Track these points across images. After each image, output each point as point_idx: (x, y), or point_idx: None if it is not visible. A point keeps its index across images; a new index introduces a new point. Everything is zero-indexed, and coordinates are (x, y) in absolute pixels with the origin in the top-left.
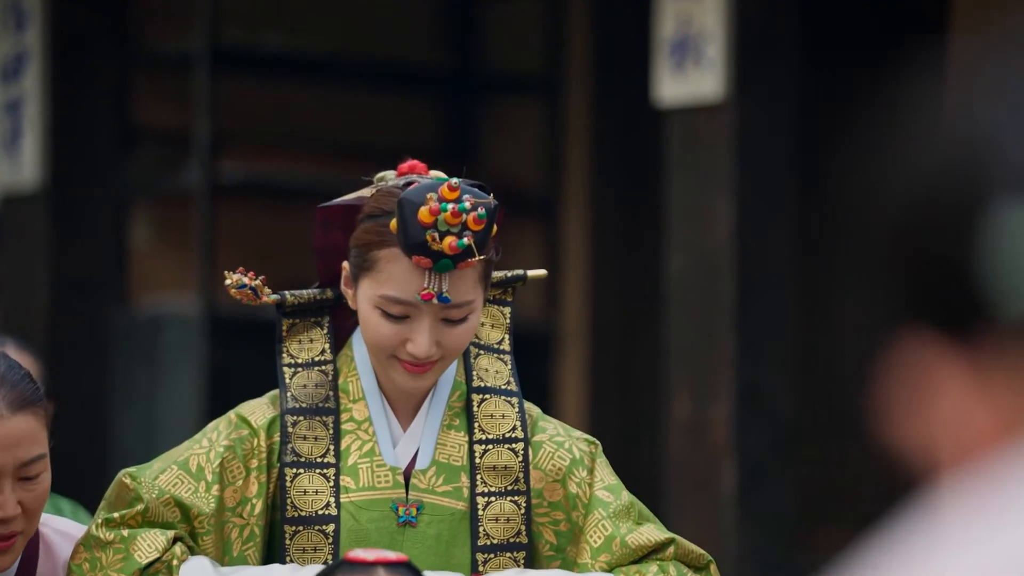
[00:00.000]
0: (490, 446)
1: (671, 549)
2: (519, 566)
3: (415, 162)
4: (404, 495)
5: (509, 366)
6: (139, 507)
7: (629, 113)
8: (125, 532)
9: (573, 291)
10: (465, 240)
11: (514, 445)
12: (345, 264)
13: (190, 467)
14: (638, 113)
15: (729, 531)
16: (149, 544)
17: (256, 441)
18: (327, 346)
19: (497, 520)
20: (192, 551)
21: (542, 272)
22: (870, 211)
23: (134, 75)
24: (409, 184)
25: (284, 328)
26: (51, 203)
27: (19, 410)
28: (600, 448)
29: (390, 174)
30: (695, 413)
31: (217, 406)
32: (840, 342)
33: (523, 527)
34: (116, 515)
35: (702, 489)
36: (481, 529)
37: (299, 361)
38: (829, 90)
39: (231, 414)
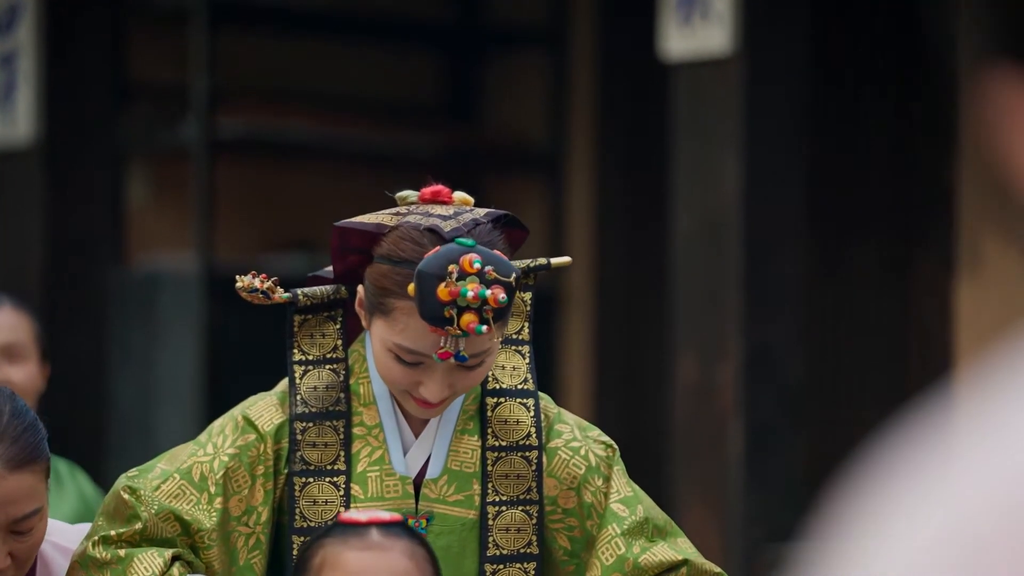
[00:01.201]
0: (503, 453)
1: (684, 570)
2: None
3: (439, 188)
4: (414, 506)
5: (527, 360)
6: (137, 525)
7: (635, 68)
8: (122, 552)
9: (578, 251)
10: (484, 328)
11: (528, 453)
12: (360, 288)
13: (193, 476)
14: (644, 68)
15: (736, 495)
16: (146, 567)
17: (263, 447)
18: (339, 343)
19: (507, 530)
20: (192, 566)
21: (566, 260)
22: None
23: (130, 29)
24: (433, 236)
25: (296, 323)
26: (45, 160)
27: (18, 468)
28: (617, 453)
29: (412, 195)
30: (702, 375)
31: (216, 366)
32: (851, 303)
33: (534, 537)
34: (113, 533)
35: (709, 452)
36: (491, 539)
37: (310, 358)
38: (840, 41)
39: (238, 415)
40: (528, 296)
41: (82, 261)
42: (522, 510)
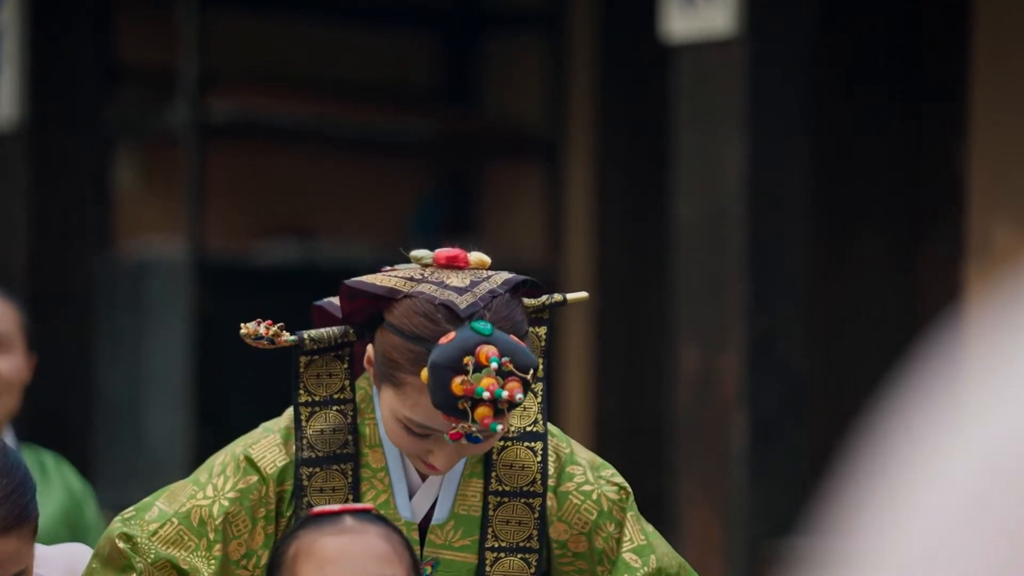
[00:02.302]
0: (505, 499)
1: None
2: None
3: (455, 253)
4: (419, 551)
5: (539, 399)
6: None
7: (636, 50)
8: None
9: (577, 237)
10: (499, 427)
11: (531, 500)
12: (370, 348)
13: (191, 521)
14: (645, 50)
15: (738, 487)
16: None
17: (265, 490)
18: (347, 383)
19: None
20: None
21: (583, 295)
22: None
23: (118, 9)
24: (448, 313)
25: (301, 365)
26: (31, 144)
27: (3, 533)
28: (631, 497)
29: (427, 256)
30: (704, 365)
31: (207, 356)
32: (857, 291)
33: None
34: None
35: (711, 443)
36: None
37: (316, 399)
38: (846, 22)
39: (240, 454)
40: (543, 331)
41: (68, 248)
42: (521, 558)
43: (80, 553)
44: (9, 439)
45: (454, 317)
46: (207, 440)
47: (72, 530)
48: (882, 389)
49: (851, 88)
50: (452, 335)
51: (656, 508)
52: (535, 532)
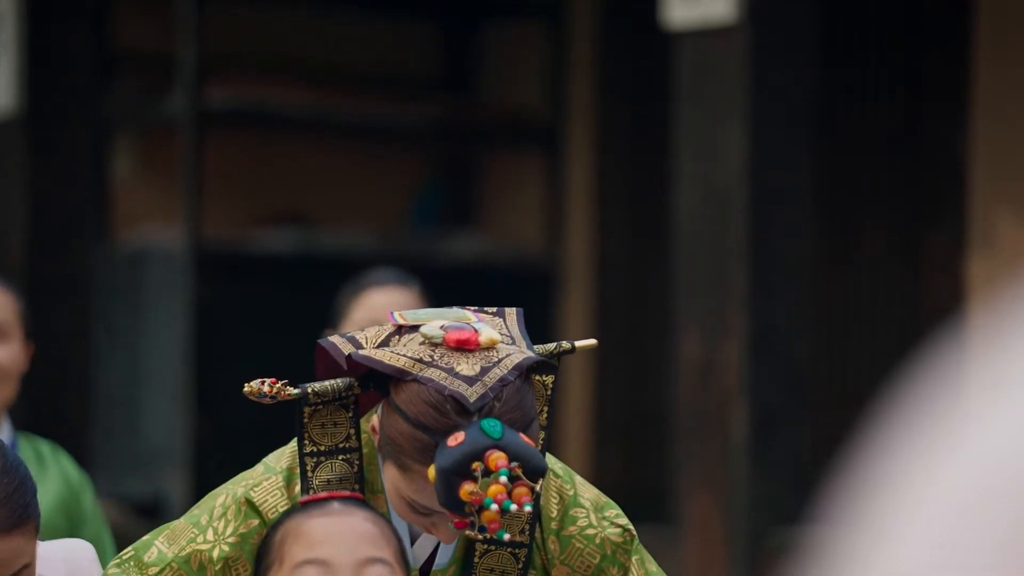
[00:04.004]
0: (492, 547)
1: None
2: None
3: (466, 336)
4: None
5: (539, 445)
6: None
7: (637, 37)
8: None
9: (577, 225)
10: (506, 536)
11: (517, 550)
12: (375, 420)
13: (191, 565)
14: (646, 37)
15: (739, 477)
16: None
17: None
18: (352, 431)
19: None
20: None
21: (591, 342)
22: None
23: None
24: (457, 406)
25: (306, 414)
26: (28, 133)
27: (7, 533)
28: (636, 540)
29: (437, 334)
30: (705, 354)
31: (205, 345)
32: (859, 282)
33: None
34: None
35: (712, 433)
36: None
37: (321, 448)
38: (848, 10)
39: (241, 496)
40: (550, 380)
41: (66, 237)
42: None
43: (80, 550)
44: (6, 428)
45: (463, 411)
46: (204, 429)
47: (69, 519)
48: (884, 381)
49: (853, 78)
50: (461, 436)
51: (657, 498)
52: None
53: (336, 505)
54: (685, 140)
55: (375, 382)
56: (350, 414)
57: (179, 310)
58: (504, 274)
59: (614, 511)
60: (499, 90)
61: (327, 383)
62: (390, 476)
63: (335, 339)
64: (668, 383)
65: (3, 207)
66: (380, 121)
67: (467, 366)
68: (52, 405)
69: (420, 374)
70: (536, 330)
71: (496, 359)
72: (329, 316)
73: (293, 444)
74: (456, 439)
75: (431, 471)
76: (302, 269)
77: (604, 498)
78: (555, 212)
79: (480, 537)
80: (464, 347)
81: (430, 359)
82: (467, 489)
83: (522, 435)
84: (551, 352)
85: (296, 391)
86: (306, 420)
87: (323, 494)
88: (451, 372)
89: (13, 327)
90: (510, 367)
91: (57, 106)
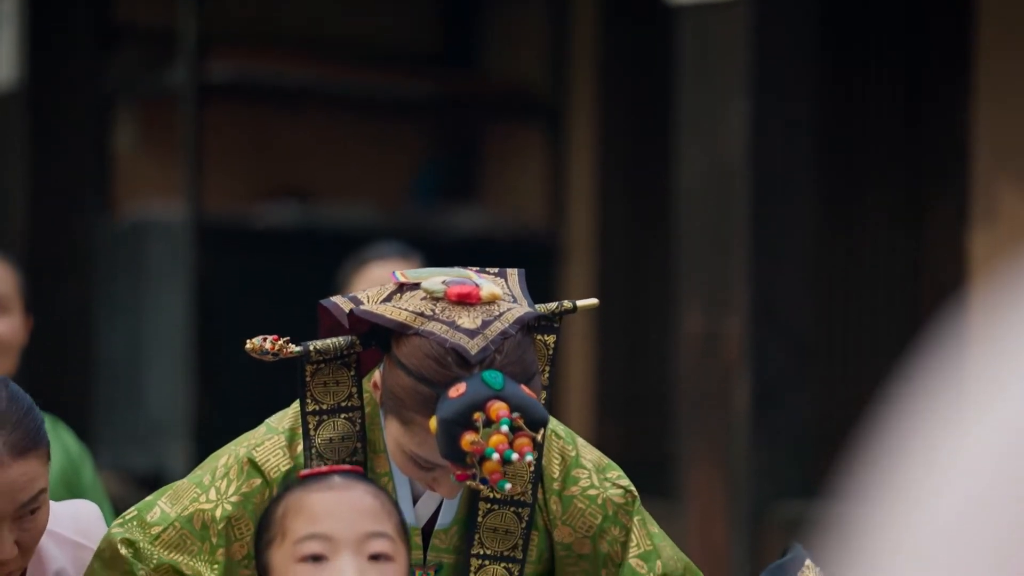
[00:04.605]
0: (495, 506)
1: None
2: None
3: (467, 290)
4: (422, 557)
5: (542, 401)
6: None
7: (639, 11)
8: None
9: (579, 200)
10: (507, 486)
11: (520, 509)
12: (377, 375)
13: (194, 524)
14: (648, 11)
15: (741, 451)
16: None
17: (268, 493)
18: (354, 390)
19: None
20: None
21: (593, 302)
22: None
23: None
24: (458, 358)
25: (308, 373)
26: (29, 105)
27: (21, 455)
28: (637, 501)
29: (438, 289)
30: (707, 328)
31: (207, 319)
32: (861, 255)
33: None
34: None
35: (714, 407)
36: None
37: (324, 407)
38: None
39: (243, 456)
40: (552, 340)
41: (67, 210)
42: (504, 567)
43: (87, 512)
44: None
45: (465, 363)
46: (206, 402)
47: (70, 492)
48: (886, 354)
49: (855, 50)
50: (462, 387)
51: (659, 471)
52: (520, 542)
53: (337, 479)
54: (687, 113)
55: (377, 339)
56: (352, 373)
57: (180, 283)
58: (506, 248)
59: (616, 472)
60: (501, 64)
61: (329, 340)
62: (392, 431)
63: (337, 299)
64: (670, 356)
65: (4, 180)
66: (382, 95)
67: (468, 319)
68: (53, 378)
69: (421, 328)
70: (538, 303)
71: (497, 313)
72: (331, 290)
73: (295, 406)
74: (457, 390)
75: (432, 423)
76: (304, 243)
77: (606, 460)
78: (557, 186)
79: (482, 487)
80: (465, 301)
81: (431, 313)
82: (468, 439)
83: (523, 387)
84: (553, 311)
85: (298, 348)
86: (308, 379)
87: (324, 468)
88: (452, 325)
89: (13, 300)
90: (511, 321)
91: (58, 80)
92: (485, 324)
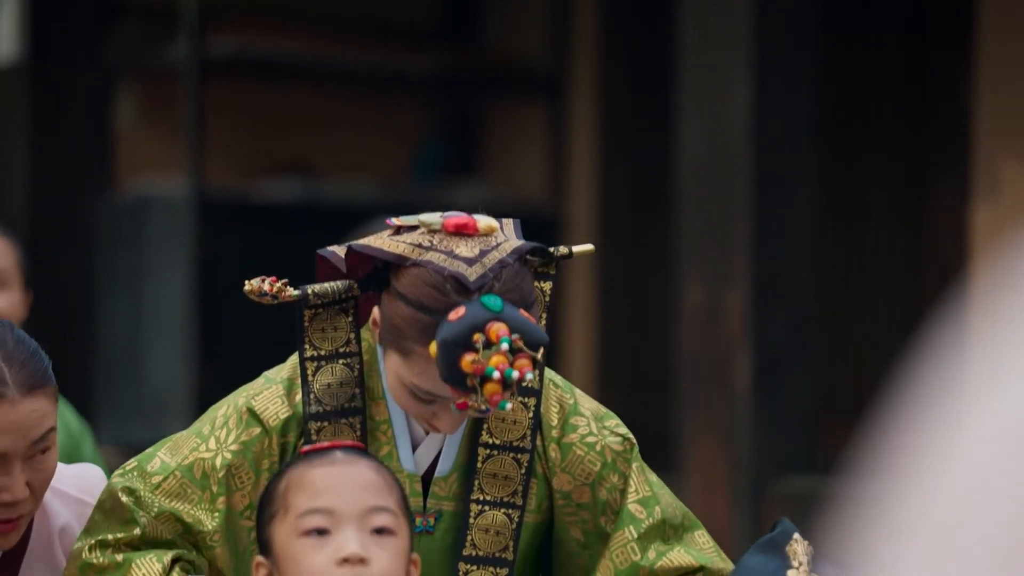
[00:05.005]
0: (494, 452)
1: (700, 575)
2: None
3: (464, 221)
4: (422, 504)
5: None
6: (136, 531)
7: None
8: (120, 557)
9: (580, 175)
10: (508, 405)
11: (519, 455)
12: (376, 311)
13: (194, 474)
14: None
15: (743, 426)
16: (144, 573)
17: (268, 442)
18: (352, 335)
19: (487, 531)
20: (194, 565)
21: (589, 247)
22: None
23: None
24: (457, 285)
25: (306, 318)
26: (30, 81)
27: (30, 392)
28: (635, 448)
29: (435, 222)
30: (709, 302)
31: (208, 295)
32: (863, 231)
33: (511, 543)
34: (110, 537)
35: (715, 382)
36: (469, 538)
37: (322, 353)
38: None
39: (242, 405)
40: (548, 286)
41: (68, 185)
42: (504, 512)
43: (92, 473)
44: None
45: (463, 289)
46: (208, 378)
47: None
48: (888, 329)
49: (856, 25)
50: (462, 311)
51: (661, 446)
52: (520, 488)
53: (339, 454)
54: (689, 89)
55: (375, 282)
56: (350, 319)
57: (182, 259)
58: None
59: (614, 421)
60: (503, 39)
61: (327, 284)
62: (392, 366)
63: (334, 248)
64: (671, 331)
65: (5, 155)
66: (384, 70)
67: (466, 248)
68: (55, 354)
69: (419, 258)
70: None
71: (495, 244)
72: None
73: (293, 358)
74: (457, 313)
75: (432, 347)
76: (305, 218)
77: (604, 409)
78: (558, 161)
79: (483, 408)
80: (463, 231)
81: (429, 244)
82: (469, 359)
83: (522, 311)
84: (548, 257)
85: (296, 292)
86: (307, 324)
87: (325, 443)
88: (450, 254)
89: (12, 275)
90: (509, 250)
91: (59, 54)
92: (483, 253)
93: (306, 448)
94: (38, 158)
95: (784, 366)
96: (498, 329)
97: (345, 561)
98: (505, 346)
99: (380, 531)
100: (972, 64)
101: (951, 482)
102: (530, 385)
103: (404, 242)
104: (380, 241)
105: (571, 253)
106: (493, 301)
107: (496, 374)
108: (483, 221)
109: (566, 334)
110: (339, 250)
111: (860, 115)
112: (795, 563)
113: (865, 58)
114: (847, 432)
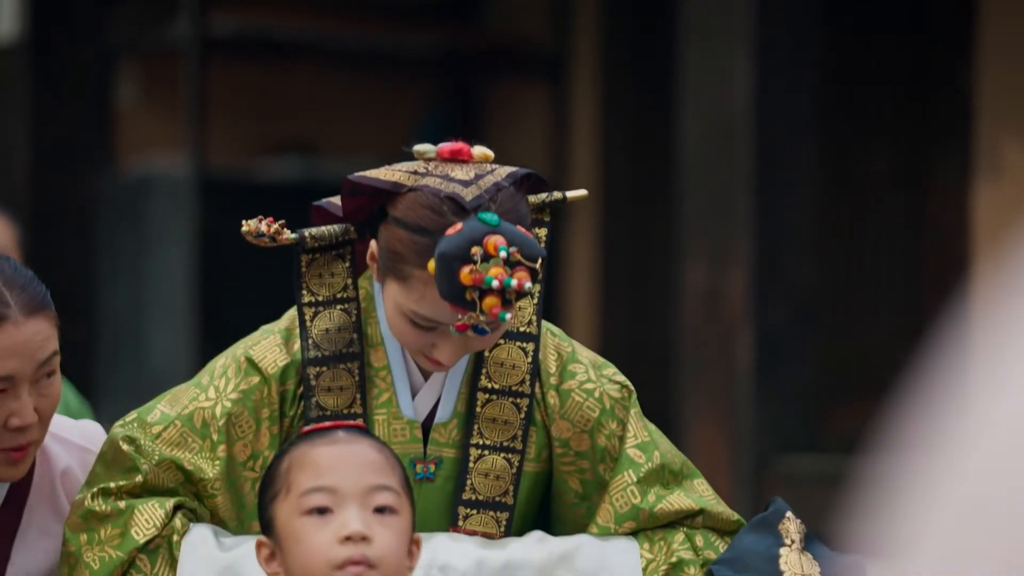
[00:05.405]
0: (493, 396)
1: (699, 519)
2: (500, 527)
3: (458, 146)
4: (422, 450)
5: (535, 300)
6: (137, 478)
7: None
8: (122, 504)
9: (582, 154)
10: (507, 315)
11: (518, 400)
12: (373, 244)
13: (194, 423)
14: None
15: (745, 405)
16: (147, 519)
17: (267, 390)
18: (349, 281)
19: (487, 475)
20: (196, 513)
21: (583, 193)
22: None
23: None
24: (454, 205)
25: (303, 264)
26: (31, 60)
27: (33, 313)
28: (633, 395)
29: (430, 150)
30: (711, 282)
31: (210, 274)
32: (864, 210)
33: (511, 487)
34: (112, 485)
35: (717, 361)
36: (468, 482)
37: (319, 298)
38: None
39: (240, 355)
40: (544, 233)
41: (69, 164)
42: (504, 457)
43: (93, 427)
44: None
45: (460, 209)
46: (209, 356)
47: None
48: (890, 310)
49: (858, 6)
50: (459, 226)
51: (663, 425)
52: (519, 433)
53: (341, 434)
54: (690, 68)
55: (372, 227)
56: (347, 264)
57: (183, 237)
58: None
59: (612, 369)
60: (504, 18)
61: (324, 228)
62: (391, 296)
63: (329, 198)
64: (674, 310)
65: (6, 134)
66: (385, 49)
67: (462, 172)
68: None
69: (416, 184)
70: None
71: (490, 169)
72: None
73: (290, 311)
74: (455, 229)
75: (431, 265)
76: (306, 197)
77: (601, 359)
78: (559, 140)
79: (482, 321)
80: (458, 157)
81: (425, 171)
82: (467, 271)
83: (519, 227)
84: (543, 201)
85: (294, 235)
86: (304, 269)
87: (327, 423)
88: (446, 178)
89: (11, 253)
90: (504, 175)
91: (61, 33)
92: (478, 176)
93: (307, 428)
94: (39, 137)
95: (785, 346)
96: (496, 241)
97: (347, 539)
98: (503, 254)
99: (382, 510)
100: (974, 43)
101: (960, 465)
102: (529, 327)
103: (400, 170)
104: (376, 172)
105: (565, 198)
106: (490, 216)
107: (495, 283)
108: (478, 149)
109: (568, 313)
110: (335, 199)
111: (862, 95)
112: (788, 541)
113: (867, 38)
114: (848, 411)
